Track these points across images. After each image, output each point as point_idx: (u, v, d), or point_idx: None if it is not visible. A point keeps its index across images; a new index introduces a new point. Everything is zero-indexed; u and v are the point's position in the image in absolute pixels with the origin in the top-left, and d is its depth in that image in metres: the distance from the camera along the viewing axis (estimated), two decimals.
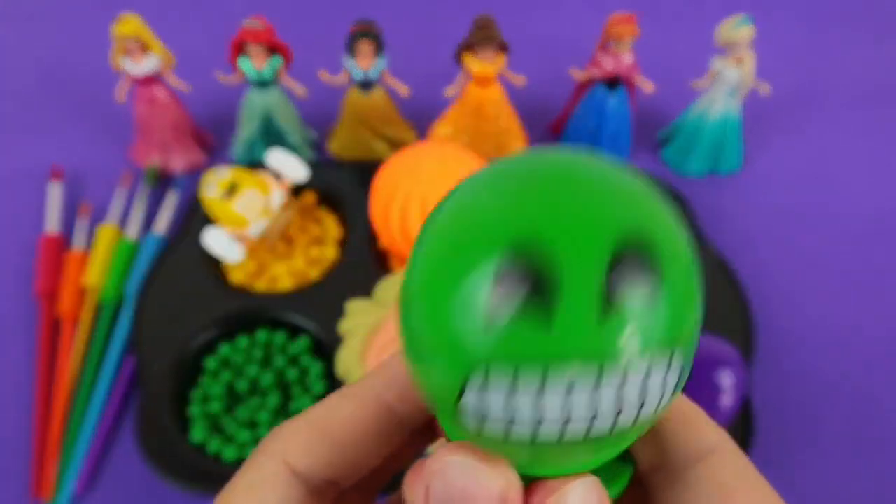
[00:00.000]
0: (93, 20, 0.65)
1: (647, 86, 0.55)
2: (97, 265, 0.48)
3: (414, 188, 0.45)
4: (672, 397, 0.12)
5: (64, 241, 0.51)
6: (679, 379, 0.12)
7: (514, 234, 0.11)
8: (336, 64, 0.53)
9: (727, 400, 0.36)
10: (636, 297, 0.11)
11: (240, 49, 0.51)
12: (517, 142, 0.58)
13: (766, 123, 0.61)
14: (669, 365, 0.11)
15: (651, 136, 0.60)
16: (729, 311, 0.46)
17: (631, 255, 0.11)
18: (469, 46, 0.52)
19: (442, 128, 0.57)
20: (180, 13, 0.72)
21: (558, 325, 0.10)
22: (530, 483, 0.13)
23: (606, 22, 0.52)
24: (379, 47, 0.51)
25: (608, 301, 0.10)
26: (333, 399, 0.15)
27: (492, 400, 0.11)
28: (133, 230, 0.51)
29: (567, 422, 0.11)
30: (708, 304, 0.48)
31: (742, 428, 0.40)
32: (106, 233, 0.49)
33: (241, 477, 0.14)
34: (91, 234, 0.51)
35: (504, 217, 0.11)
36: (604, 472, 0.14)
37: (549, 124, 0.61)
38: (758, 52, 0.52)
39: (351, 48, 0.51)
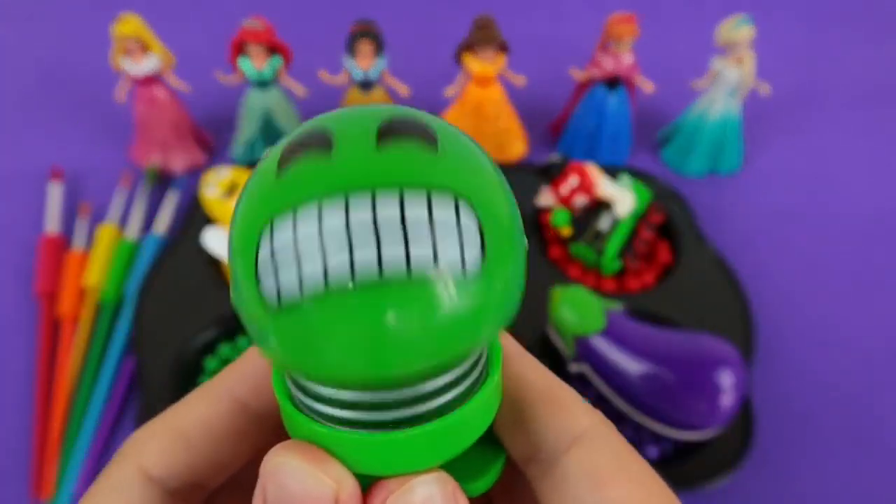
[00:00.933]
0: (93, 20, 0.65)
1: (647, 86, 0.55)
2: (97, 265, 0.48)
3: None
4: (468, 252, 0.11)
5: (64, 241, 0.51)
6: (476, 237, 0.11)
7: (298, 135, 0.12)
8: (336, 64, 0.53)
9: (727, 400, 0.36)
10: (405, 138, 0.11)
11: (240, 49, 0.51)
12: (517, 142, 0.58)
13: (766, 123, 0.61)
14: (457, 213, 0.11)
15: (651, 136, 0.60)
16: (729, 311, 0.46)
17: (402, 118, 0.12)
18: (469, 46, 0.52)
19: None
20: (180, 13, 0.72)
21: (322, 160, 0.11)
22: (374, 484, 0.12)
23: (606, 22, 0.52)
24: (379, 47, 0.51)
25: (381, 139, 0.11)
26: (189, 399, 0.15)
27: (278, 242, 0.11)
28: (133, 230, 0.51)
29: (352, 250, 0.11)
30: (708, 304, 0.48)
31: (742, 428, 0.40)
32: (106, 233, 0.49)
33: (98, 483, 0.14)
34: (91, 235, 0.51)
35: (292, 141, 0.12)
36: (467, 466, 0.14)
37: (549, 124, 0.61)
38: (758, 52, 0.52)
39: (351, 48, 0.51)
